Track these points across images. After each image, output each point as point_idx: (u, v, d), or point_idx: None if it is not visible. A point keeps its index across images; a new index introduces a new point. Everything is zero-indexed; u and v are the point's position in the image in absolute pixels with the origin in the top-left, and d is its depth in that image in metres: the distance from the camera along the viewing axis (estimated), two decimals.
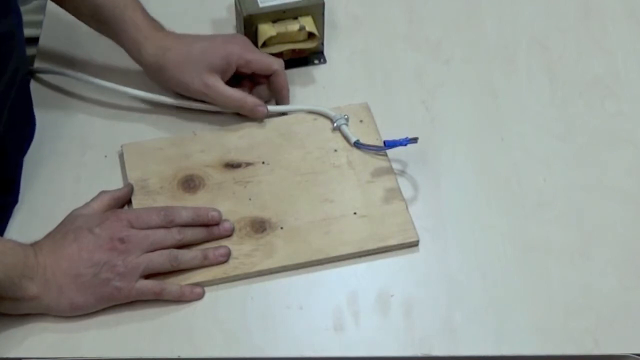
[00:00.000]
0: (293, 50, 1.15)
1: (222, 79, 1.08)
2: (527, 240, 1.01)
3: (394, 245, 0.99)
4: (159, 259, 0.95)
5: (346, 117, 1.08)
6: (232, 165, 1.05)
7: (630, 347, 0.93)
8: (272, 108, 1.10)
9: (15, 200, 1.03)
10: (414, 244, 1.00)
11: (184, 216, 0.98)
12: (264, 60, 1.10)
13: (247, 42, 1.12)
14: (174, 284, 0.95)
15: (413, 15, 1.23)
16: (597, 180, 1.06)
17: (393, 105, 1.13)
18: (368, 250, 0.99)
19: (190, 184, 1.04)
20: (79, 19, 1.11)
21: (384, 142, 1.02)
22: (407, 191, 1.04)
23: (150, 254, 0.95)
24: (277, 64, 1.10)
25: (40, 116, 1.10)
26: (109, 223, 0.95)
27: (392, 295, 0.97)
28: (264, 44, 1.13)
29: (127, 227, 0.95)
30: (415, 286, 0.98)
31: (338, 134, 1.08)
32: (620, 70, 1.17)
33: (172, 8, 1.22)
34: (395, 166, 1.06)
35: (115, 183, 1.04)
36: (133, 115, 1.11)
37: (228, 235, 0.99)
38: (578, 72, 1.17)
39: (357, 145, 1.06)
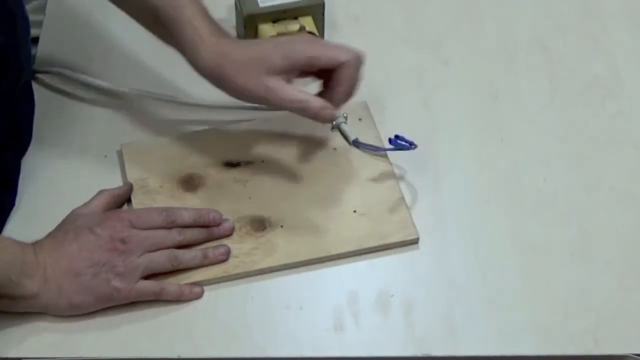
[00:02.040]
0: None
1: (287, 80, 0.99)
2: (527, 240, 1.01)
3: (394, 243, 0.99)
4: (159, 259, 0.95)
5: (345, 115, 1.08)
6: (231, 164, 1.05)
7: (630, 347, 0.93)
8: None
9: (12, 202, 1.03)
10: (414, 242, 1.00)
11: (185, 217, 0.98)
12: (330, 52, 0.99)
13: (314, 39, 1.03)
14: (173, 283, 0.95)
15: (413, 15, 1.23)
16: (597, 180, 1.06)
17: (393, 105, 1.13)
18: (368, 248, 0.99)
19: (190, 183, 1.04)
20: (140, 23, 1.05)
21: (389, 139, 1.02)
22: (407, 191, 1.04)
23: (151, 254, 0.95)
24: (348, 54, 0.98)
25: (40, 116, 1.10)
26: (110, 223, 0.95)
27: (392, 295, 0.97)
28: None
29: (128, 227, 0.95)
30: (415, 286, 0.98)
31: (337, 133, 1.08)
32: (620, 70, 1.17)
33: None
34: (395, 166, 1.06)
35: (115, 183, 1.04)
36: (132, 115, 1.11)
37: (228, 235, 0.99)
38: (578, 72, 1.17)
39: (356, 143, 1.06)
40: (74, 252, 0.93)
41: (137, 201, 1.02)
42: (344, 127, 1.07)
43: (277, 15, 1.12)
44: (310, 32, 1.13)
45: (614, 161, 1.08)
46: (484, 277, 0.98)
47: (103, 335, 0.93)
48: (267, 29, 1.12)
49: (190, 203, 1.01)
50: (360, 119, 1.09)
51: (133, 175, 1.04)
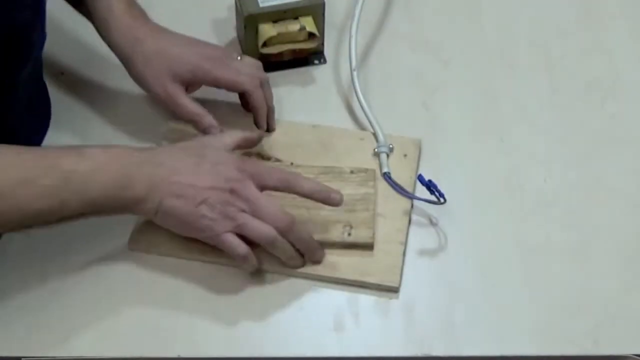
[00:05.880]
0: (293, 51, 1.15)
1: (188, 89, 1.06)
2: (527, 240, 1.01)
3: (371, 284, 0.96)
4: (255, 231, 0.93)
5: (391, 146, 1.06)
6: (262, 157, 1.05)
7: (630, 348, 0.93)
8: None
9: None
10: (393, 290, 0.96)
11: (305, 188, 0.96)
12: (233, 80, 1.06)
13: (224, 56, 1.07)
14: (254, 256, 0.94)
15: (413, 15, 1.23)
16: (597, 180, 1.06)
17: (393, 105, 1.13)
18: (345, 280, 0.96)
19: None
20: None
21: (420, 178, 0.99)
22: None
23: (253, 220, 0.93)
24: (250, 84, 1.06)
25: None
26: (231, 170, 0.93)
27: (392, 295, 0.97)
28: (264, 44, 1.13)
29: (247, 180, 0.93)
30: (415, 286, 0.98)
31: (376, 160, 1.06)
32: (620, 71, 1.17)
33: (172, 8, 1.22)
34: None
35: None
36: None
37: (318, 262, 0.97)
38: (578, 72, 1.17)
39: (385, 177, 1.04)
40: (189, 176, 0.92)
41: None
42: (383, 156, 1.05)
43: (278, 15, 1.13)
44: (310, 33, 1.13)
45: (614, 161, 1.08)
46: (484, 277, 0.98)
47: (103, 335, 0.93)
48: (267, 29, 1.12)
49: None
50: (405, 155, 1.06)
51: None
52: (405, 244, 0.99)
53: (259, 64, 1.09)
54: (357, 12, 1.14)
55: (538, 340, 0.94)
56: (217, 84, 1.06)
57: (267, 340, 0.94)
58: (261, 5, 1.12)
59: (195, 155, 0.94)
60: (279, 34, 1.12)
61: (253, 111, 1.08)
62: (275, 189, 0.95)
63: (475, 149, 1.09)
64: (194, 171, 0.93)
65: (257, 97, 1.06)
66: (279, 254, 0.95)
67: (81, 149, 0.91)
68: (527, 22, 1.23)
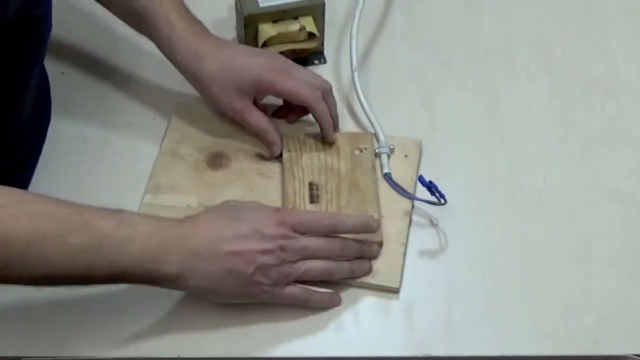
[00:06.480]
0: (293, 51, 1.15)
1: (257, 98, 1.05)
2: (527, 240, 1.01)
3: (372, 285, 0.96)
4: (314, 272, 0.93)
5: (391, 146, 1.06)
6: (262, 156, 1.05)
7: (630, 347, 0.94)
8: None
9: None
10: (393, 290, 0.96)
11: (349, 226, 0.95)
12: (295, 93, 1.04)
13: (286, 66, 1.05)
14: (318, 291, 0.94)
15: (413, 15, 1.23)
16: (597, 180, 1.06)
17: (393, 105, 1.13)
18: (345, 280, 0.96)
19: (217, 160, 1.04)
20: (116, 15, 1.07)
21: (421, 179, 0.99)
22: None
23: (307, 263, 0.92)
24: (311, 96, 1.04)
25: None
26: (274, 227, 0.91)
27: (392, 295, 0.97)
28: (264, 44, 1.13)
29: (290, 233, 0.92)
30: (415, 286, 0.98)
31: (377, 161, 1.06)
32: (620, 71, 1.17)
33: None
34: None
35: (154, 143, 1.06)
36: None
37: (374, 257, 0.97)
38: (578, 73, 1.17)
39: (386, 177, 1.04)
40: (234, 246, 0.90)
41: (160, 160, 1.04)
42: (384, 157, 1.05)
43: (278, 16, 1.12)
44: (310, 32, 1.13)
45: (613, 161, 1.08)
46: (484, 277, 0.98)
47: (103, 335, 0.93)
48: (267, 29, 1.12)
49: (207, 179, 1.01)
50: (406, 156, 1.06)
51: (172, 136, 1.05)
52: (406, 244, 0.99)
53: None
54: (357, 12, 1.14)
55: (538, 340, 0.94)
56: (279, 96, 1.06)
57: (267, 340, 0.94)
58: (261, 5, 1.12)
59: (232, 219, 0.91)
60: (279, 34, 1.12)
61: (318, 124, 1.05)
62: (317, 234, 0.93)
63: (476, 150, 1.09)
64: (237, 237, 0.90)
65: (319, 110, 1.04)
66: (344, 275, 0.95)
67: (121, 213, 0.87)
68: (527, 22, 1.23)
